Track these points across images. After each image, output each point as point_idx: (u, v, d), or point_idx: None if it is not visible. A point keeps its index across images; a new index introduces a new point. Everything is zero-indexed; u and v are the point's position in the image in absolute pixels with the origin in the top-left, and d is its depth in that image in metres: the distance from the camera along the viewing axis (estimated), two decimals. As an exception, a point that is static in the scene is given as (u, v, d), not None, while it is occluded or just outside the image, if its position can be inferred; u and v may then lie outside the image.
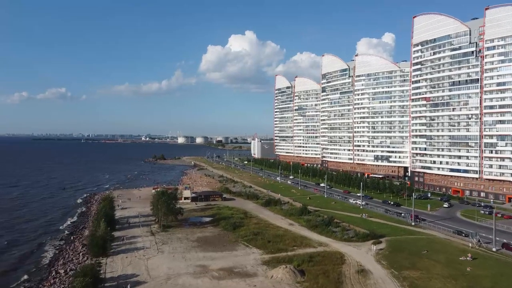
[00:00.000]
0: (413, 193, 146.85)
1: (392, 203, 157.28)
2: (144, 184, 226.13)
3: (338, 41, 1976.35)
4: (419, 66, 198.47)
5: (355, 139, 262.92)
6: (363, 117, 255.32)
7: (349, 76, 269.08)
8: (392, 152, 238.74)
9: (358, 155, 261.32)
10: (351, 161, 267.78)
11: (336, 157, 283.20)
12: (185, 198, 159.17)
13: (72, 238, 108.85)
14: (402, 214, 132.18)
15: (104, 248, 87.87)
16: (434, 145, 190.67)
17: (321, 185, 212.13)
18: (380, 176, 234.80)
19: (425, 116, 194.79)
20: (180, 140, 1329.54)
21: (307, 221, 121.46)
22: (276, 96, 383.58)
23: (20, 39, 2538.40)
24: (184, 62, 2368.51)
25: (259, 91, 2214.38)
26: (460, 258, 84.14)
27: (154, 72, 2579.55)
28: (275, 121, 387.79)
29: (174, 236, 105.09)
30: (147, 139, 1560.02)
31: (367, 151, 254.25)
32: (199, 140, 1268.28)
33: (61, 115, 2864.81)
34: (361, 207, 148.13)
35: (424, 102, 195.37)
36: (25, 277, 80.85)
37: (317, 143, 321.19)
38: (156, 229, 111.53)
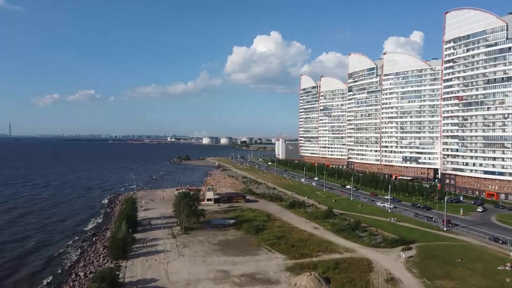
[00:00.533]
0: (445, 196, 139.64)
1: (422, 206, 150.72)
2: (168, 185, 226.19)
3: (365, 41, 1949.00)
4: (451, 64, 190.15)
5: (382, 139, 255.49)
6: (391, 117, 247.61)
7: (377, 75, 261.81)
8: (422, 153, 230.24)
9: (386, 156, 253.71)
10: (378, 163, 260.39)
11: (363, 158, 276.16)
12: (208, 200, 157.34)
13: (94, 239, 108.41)
14: (433, 219, 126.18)
15: (125, 250, 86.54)
16: (467, 146, 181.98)
17: (347, 187, 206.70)
18: (409, 178, 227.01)
19: (458, 116, 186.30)
20: (205, 140, 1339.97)
21: (332, 225, 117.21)
22: (301, 96, 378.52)
23: (53, 43, 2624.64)
24: (209, 64, 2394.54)
25: (284, 92, 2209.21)
26: (499, 268, 78.50)
27: (180, 74, 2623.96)
28: (300, 121, 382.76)
29: (196, 238, 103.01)
30: (173, 139, 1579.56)
31: (395, 152, 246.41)
32: (223, 140, 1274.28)
33: (90, 116, 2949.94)
34: (389, 210, 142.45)
35: (457, 101, 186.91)
36: (48, 279, 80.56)
37: (342, 144, 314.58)
38: (177, 231, 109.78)
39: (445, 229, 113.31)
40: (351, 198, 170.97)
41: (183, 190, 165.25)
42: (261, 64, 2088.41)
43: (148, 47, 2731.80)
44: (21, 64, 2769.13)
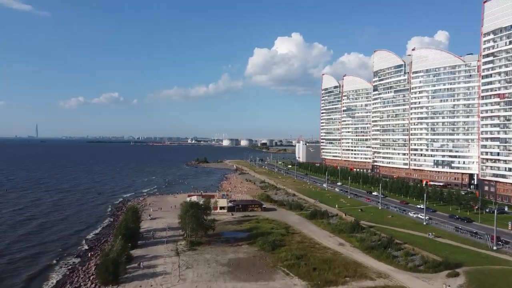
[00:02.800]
0: (496, 207, 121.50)
1: (461, 218, 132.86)
2: (181, 190, 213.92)
3: (387, 41, 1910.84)
4: (491, 58, 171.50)
5: (411, 142, 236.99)
6: (421, 118, 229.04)
7: (405, 73, 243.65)
8: (455, 157, 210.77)
9: (415, 160, 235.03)
10: (406, 167, 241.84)
11: (389, 162, 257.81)
12: (221, 208, 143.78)
13: (89, 255, 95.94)
14: (478, 234, 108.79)
15: (116, 273, 73.37)
16: (510, 150, 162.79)
17: (373, 193, 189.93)
18: (441, 184, 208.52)
19: (499, 116, 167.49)
20: (225, 142, 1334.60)
21: (360, 241, 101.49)
22: (323, 97, 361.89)
23: (78, 47, 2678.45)
24: (231, 66, 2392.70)
25: (305, 93, 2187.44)
26: None
27: (202, 76, 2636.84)
28: (322, 123, 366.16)
29: (202, 256, 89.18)
30: (193, 141, 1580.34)
31: (425, 155, 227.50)
32: (243, 142, 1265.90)
33: (114, 119, 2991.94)
34: (424, 223, 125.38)
35: (497, 100, 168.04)
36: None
37: (367, 147, 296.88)
38: (182, 247, 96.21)
39: (495, 248, 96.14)
40: (380, 207, 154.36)
41: (195, 196, 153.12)
42: (282, 66, 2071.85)
43: (170, 50, 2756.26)
44: (48, 68, 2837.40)
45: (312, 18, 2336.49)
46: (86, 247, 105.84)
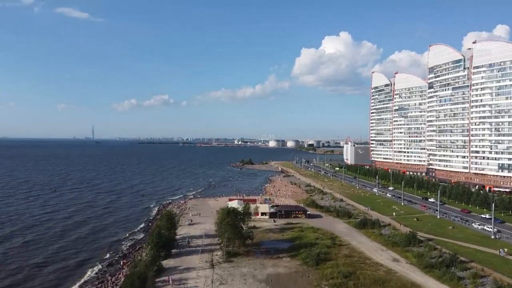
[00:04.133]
0: None
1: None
2: (223, 193, 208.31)
3: (441, 37, 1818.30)
4: None
5: (472, 143, 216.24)
6: (484, 117, 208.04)
7: (464, 68, 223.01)
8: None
9: (476, 163, 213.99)
10: (466, 171, 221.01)
11: (447, 165, 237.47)
12: (262, 214, 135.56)
13: (121, 263, 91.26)
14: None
15: (143, 288, 67.26)
16: None
17: (429, 200, 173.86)
18: (507, 190, 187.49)
19: None
20: (271, 143, 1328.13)
21: (418, 257, 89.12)
22: (373, 96, 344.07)
23: (131, 52, 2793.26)
24: (277, 66, 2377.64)
25: (353, 93, 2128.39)
26: None
27: (249, 78, 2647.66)
28: (371, 123, 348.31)
29: (238, 270, 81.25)
30: (240, 142, 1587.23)
31: (488, 158, 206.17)
32: (290, 143, 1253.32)
33: (164, 120, 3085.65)
34: (492, 236, 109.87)
35: None
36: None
37: (421, 148, 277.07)
38: (218, 258, 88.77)
39: None
40: (438, 216, 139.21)
41: (235, 201, 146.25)
42: (330, 66, 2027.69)
43: (219, 51, 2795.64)
44: (103, 72, 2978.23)
45: (360, 16, 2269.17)
46: (120, 253, 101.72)
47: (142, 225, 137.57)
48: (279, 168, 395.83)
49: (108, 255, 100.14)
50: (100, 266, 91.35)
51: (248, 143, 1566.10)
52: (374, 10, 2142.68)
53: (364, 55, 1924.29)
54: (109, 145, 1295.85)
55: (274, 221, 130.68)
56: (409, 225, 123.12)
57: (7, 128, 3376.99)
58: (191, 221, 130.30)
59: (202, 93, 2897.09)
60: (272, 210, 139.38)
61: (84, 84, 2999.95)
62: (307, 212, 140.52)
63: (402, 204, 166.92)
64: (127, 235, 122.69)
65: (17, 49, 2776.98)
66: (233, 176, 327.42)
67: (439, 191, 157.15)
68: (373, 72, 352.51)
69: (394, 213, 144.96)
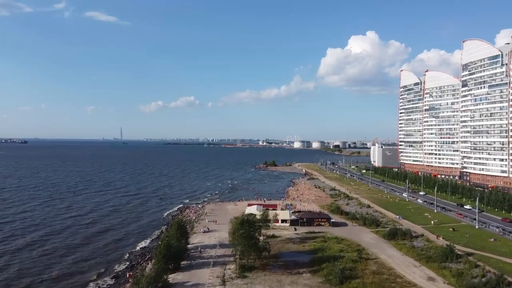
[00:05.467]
0: None
1: None
2: (243, 197, 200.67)
3: (472, 35, 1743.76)
4: None
5: (511, 145, 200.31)
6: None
7: (502, 65, 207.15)
8: None
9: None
10: (505, 175, 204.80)
11: (483, 169, 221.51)
12: (282, 221, 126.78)
13: (127, 275, 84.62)
14: None
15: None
16: None
17: (465, 207, 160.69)
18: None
19: None
20: (296, 144, 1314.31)
21: (457, 276, 78.33)
22: (401, 95, 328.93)
23: (157, 54, 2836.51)
24: (303, 67, 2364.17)
25: (380, 93, 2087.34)
26: None
27: (274, 78, 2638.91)
28: (400, 124, 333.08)
29: (253, 288, 73.03)
30: (264, 143, 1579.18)
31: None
32: (315, 144, 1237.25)
33: (190, 121, 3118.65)
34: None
35: None
36: None
37: (454, 150, 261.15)
38: (230, 273, 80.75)
39: None
40: (476, 226, 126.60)
41: (254, 206, 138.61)
42: (356, 66, 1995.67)
43: (243, 53, 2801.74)
44: (130, 74, 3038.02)
45: (387, 15, 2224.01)
46: (128, 263, 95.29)
47: (152, 231, 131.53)
48: (303, 170, 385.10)
49: (114, 265, 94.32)
50: (105, 279, 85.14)
51: (273, 144, 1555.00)
52: (401, 9, 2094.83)
53: (391, 55, 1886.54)
54: (136, 146, 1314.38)
55: (295, 229, 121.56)
56: (444, 236, 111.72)
57: (39, 129, 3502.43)
58: (208, 229, 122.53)
59: (227, 94, 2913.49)
60: (293, 217, 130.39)
61: (111, 86, 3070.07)
62: (331, 220, 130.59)
63: (435, 211, 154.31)
64: (136, 243, 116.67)
65: (48, 52, 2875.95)
66: (256, 179, 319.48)
67: (477, 198, 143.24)
68: (401, 71, 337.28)
69: (432, 222, 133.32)
